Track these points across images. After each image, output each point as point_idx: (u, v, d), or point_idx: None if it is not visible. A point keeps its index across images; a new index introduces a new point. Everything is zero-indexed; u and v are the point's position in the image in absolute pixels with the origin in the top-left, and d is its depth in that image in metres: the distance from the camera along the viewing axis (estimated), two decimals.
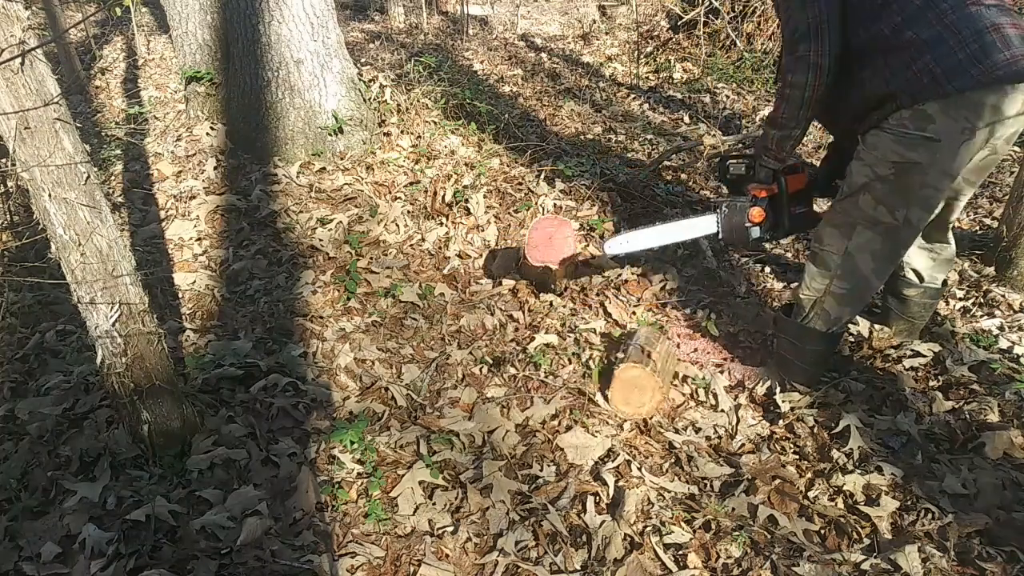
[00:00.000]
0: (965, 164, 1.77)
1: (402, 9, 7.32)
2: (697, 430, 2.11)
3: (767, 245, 3.00)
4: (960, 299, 2.57)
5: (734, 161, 2.21)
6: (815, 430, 2.06)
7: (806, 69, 1.80)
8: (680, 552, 1.71)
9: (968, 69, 1.63)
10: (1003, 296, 2.55)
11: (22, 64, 1.43)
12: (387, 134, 3.80)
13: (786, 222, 2.17)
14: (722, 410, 2.16)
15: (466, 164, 3.60)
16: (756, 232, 2.18)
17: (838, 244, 1.95)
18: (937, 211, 1.91)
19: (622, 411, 2.12)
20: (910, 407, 2.10)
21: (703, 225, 2.35)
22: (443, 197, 3.28)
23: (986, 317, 2.47)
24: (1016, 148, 3.88)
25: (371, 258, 2.92)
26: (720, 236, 2.29)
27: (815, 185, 2.22)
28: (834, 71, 1.80)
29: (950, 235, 2.16)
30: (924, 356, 2.29)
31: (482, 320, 2.60)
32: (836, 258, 1.96)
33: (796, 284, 2.14)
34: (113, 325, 1.72)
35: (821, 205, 2.38)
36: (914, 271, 2.23)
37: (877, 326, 2.40)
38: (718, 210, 2.25)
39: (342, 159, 3.59)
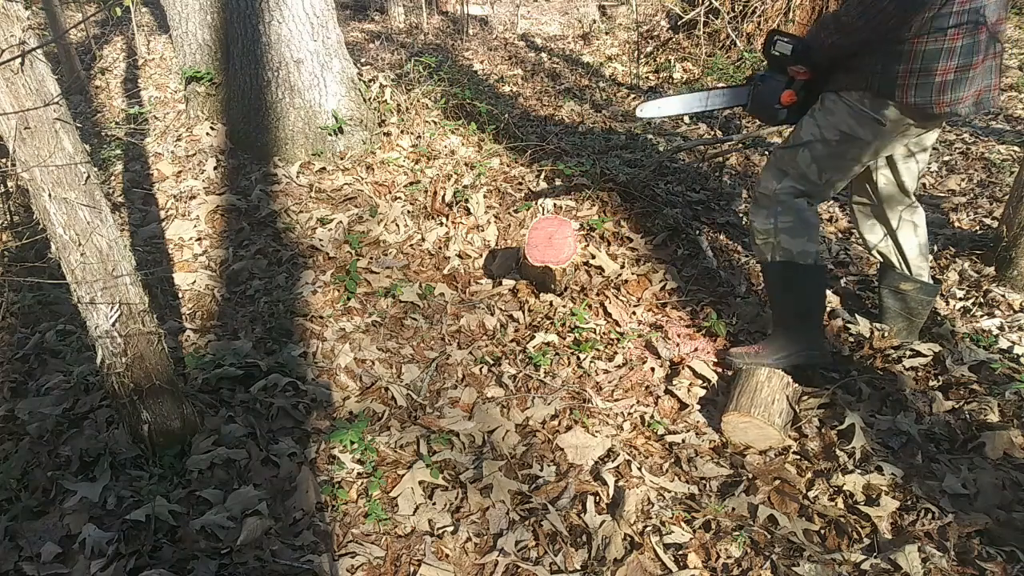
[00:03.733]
0: (896, 149, 2.06)
1: (402, 9, 7.32)
2: (699, 434, 2.11)
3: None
4: (960, 299, 2.57)
5: (782, 39, 2.18)
6: (823, 430, 2.06)
7: (906, 3, 1.77)
8: (680, 552, 1.71)
9: (931, 95, 1.84)
10: (1003, 296, 2.55)
11: (22, 64, 1.43)
12: (387, 134, 3.80)
13: (804, 108, 2.17)
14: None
15: (466, 164, 3.60)
16: (784, 114, 2.22)
17: (771, 185, 2.15)
18: (851, 177, 2.15)
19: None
20: (910, 407, 2.10)
21: (735, 95, 2.39)
22: (443, 197, 3.28)
23: (986, 317, 2.47)
24: (1016, 148, 3.88)
25: (371, 258, 2.92)
26: (748, 108, 2.34)
27: None
28: (920, 22, 1.80)
29: (912, 199, 2.27)
30: (924, 356, 2.29)
31: (482, 320, 2.60)
32: (770, 195, 2.15)
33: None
34: (113, 325, 1.72)
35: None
36: (902, 257, 2.31)
37: (878, 325, 2.40)
38: (753, 83, 2.28)
39: (342, 159, 3.59)
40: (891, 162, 2.18)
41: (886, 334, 2.39)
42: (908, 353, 2.30)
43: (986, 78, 1.88)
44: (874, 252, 2.38)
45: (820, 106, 2.04)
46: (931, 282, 2.32)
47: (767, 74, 2.23)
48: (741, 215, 3.28)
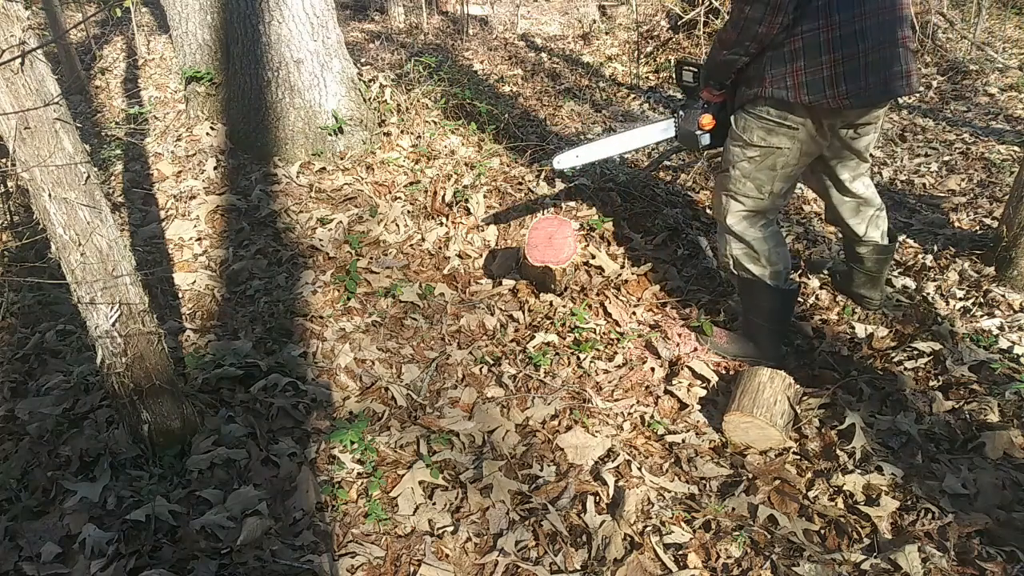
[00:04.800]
0: (823, 147, 2.04)
1: (402, 9, 7.32)
2: (699, 434, 2.11)
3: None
4: (960, 299, 2.57)
5: (688, 69, 2.28)
6: (823, 430, 2.06)
7: (766, 6, 1.83)
8: (680, 552, 1.71)
9: (824, 89, 1.82)
10: (1003, 296, 2.55)
11: (22, 64, 1.43)
12: (387, 134, 3.80)
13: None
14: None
15: (466, 164, 3.60)
16: (706, 139, 2.28)
17: (720, 211, 2.20)
18: (826, 181, 2.23)
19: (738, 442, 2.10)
20: (910, 407, 2.10)
21: (659, 131, 2.46)
22: (443, 197, 3.28)
23: (986, 317, 2.47)
24: (1016, 148, 3.88)
25: (371, 258, 2.92)
26: (676, 140, 2.43)
27: None
28: (788, 14, 1.82)
29: (862, 190, 2.30)
30: (924, 356, 2.29)
31: (482, 320, 2.60)
32: (722, 223, 2.21)
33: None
34: (113, 325, 1.72)
35: None
36: (851, 230, 2.38)
37: (879, 330, 2.42)
38: (676, 115, 2.36)
39: (342, 159, 3.59)
40: (824, 165, 2.22)
41: (852, 287, 2.52)
42: (908, 353, 2.31)
43: (894, 65, 1.84)
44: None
45: (734, 125, 2.06)
46: (883, 241, 2.40)
47: (685, 103, 2.31)
48: None
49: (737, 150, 2.07)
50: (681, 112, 2.32)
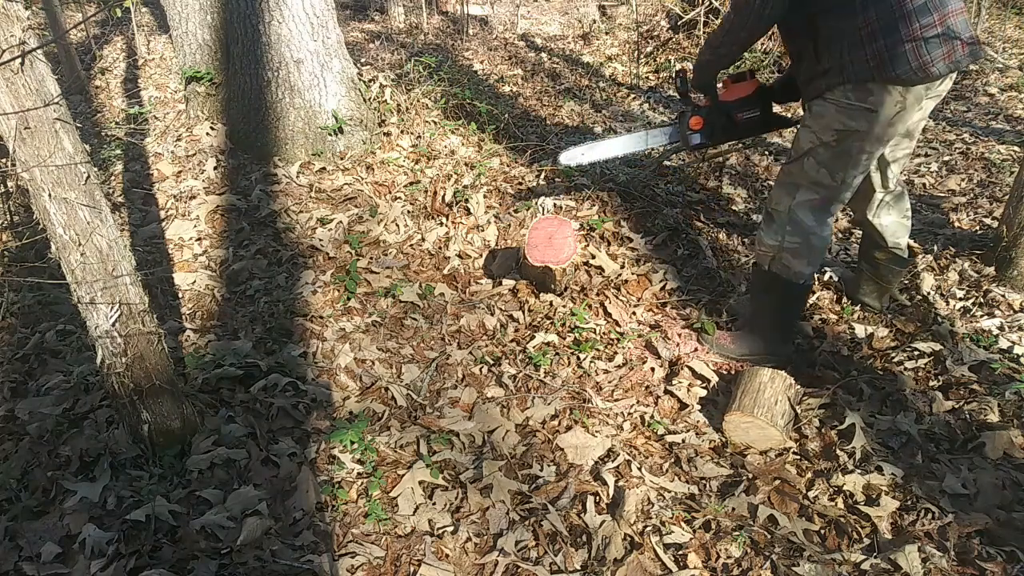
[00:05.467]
0: (899, 131, 2.03)
1: (402, 9, 7.32)
2: (699, 434, 2.11)
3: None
4: (960, 299, 2.57)
5: (680, 75, 2.44)
6: (823, 430, 2.06)
7: (749, 12, 2.00)
8: (680, 552, 1.71)
9: (911, 61, 1.85)
10: (1003, 296, 2.54)
11: (22, 64, 1.43)
12: (387, 134, 3.80)
13: (719, 128, 2.42)
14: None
15: (466, 164, 3.60)
16: (696, 139, 2.45)
17: (784, 202, 2.17)
18: (871, 170, 2.20)
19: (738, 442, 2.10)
20: (910, 407, 2.10)
21: (663, 134, 2.62)
22: (443, 197, 3.28)
23: (986, 317, 2.47)
24: (1016, 148, 3.88)
25: (371, 258, 2.92)
26: (671, 142, 2.62)
27: (772, 93, 2.45)
28: (771, 22, 2.01)
29: (897, 176, 2.33)
30: (924, 356, 2.29)
31: (482, 320, 2.60)
32: (784, 215, 2.17)
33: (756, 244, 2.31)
34: (113, 325, 1.72)
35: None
36: (878, 232, 2.39)
37: (879, 331, 2.41)
38: (677, 120, 2.53)
39: (342, 159, 3.59)
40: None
41: (858, 293, 2.55)
42: (908, 353, 2.31)
43: (965, 30, 1.89)
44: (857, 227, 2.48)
45: (809, 113, 2.07)
46: (904, 253, 2.43)
47: (684, 107, 2.47)
48: (741, 215, 3.28)
49: (812, 136, 2.06)
50: (678, 117, 2.48)
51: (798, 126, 2.15)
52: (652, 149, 3.00)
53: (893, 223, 2.37)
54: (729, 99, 2.42)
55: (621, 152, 2.76)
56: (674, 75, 2.45)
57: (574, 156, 2.72)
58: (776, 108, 2.50)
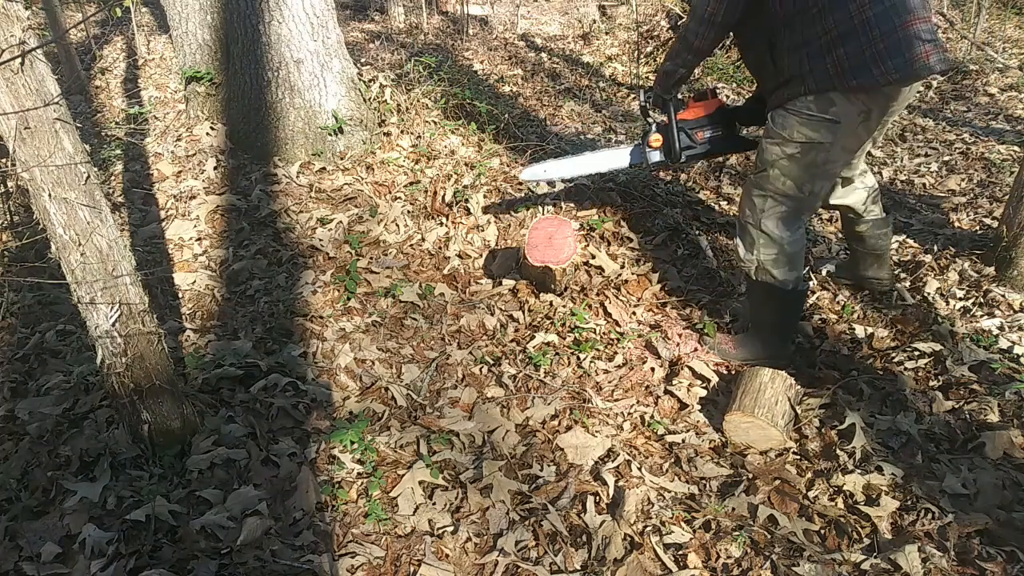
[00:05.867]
0: (863, 141, 2.04)
1: (402, 9, 7.32)
2: (699, 434, 2.11)
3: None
4: (960, 299, 2.57)
5: (643, 92, 2.52)
6: (823, 430, 2.06)
7: (700, 20, 2.05)
8: (680, 552, 1.71)
9: (871, 67, 1.82)
10: (1003, 296, 2.55)
11: (22, 64, 1.43)
12: (387, 134, 3.80)
13: (678, 147, 2.47)
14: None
15: (466, 164, 3.60)
16: (656, 156, 2.52)
17: (753, 215, 2.16)
18: (836, 177, 2.17)
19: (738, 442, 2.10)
20: (910, 407, 2.10)
21: (627, 155, 2.67)
22: (443, 197, 3.28)
23: (986, 317, 2.47)
24: (1016, 148, 3.88)
25: (371, 258, 2.92)
26: (633, 164, 2.67)
27: (737, 113, 2.51)
28: (723, 30, 2.06)
29: (863, 168, 2.39)
30: (924, 356, 2.29)
31: (482, 320, 2.60)
32: (753, 228, 2.17)
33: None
34: (113, 325, 1.72)
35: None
36: (850, 209, 2.43)
37: (879, 331, 2.42)
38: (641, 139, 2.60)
39: (342, 159, 3.59)
40: None
41: (861, 271, 2.60)
42: (908, 353, 2.31)
43: (928, 37, 1.85)
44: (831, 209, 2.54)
45: (771, 124, 2.05)
46: (882, 216, 2.46)
47: (646, 125, 2.54)
48: None
49: (776, 148, 2.04)
50: (641, 136, 2.56)
51: (762, 137, 2.12)
52: (614, 170, 3.02)
53: (857, 194, 2.39)
54: (688, 117, 2.48)
55: (585, 171, 2.78)
56: (641, 94, 2.52)
57: (536, 172, 2.78)
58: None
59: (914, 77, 1.86)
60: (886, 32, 1.81)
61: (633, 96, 5.12)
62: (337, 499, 1.86)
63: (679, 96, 2.42)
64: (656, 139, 2.48)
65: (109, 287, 1.68)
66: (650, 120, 2.50)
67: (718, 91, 2.64)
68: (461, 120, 4.09)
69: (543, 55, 6.14)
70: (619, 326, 2.55)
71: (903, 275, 2.75)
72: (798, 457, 1.99)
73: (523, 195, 3.37)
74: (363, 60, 5.20)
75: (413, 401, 2.23)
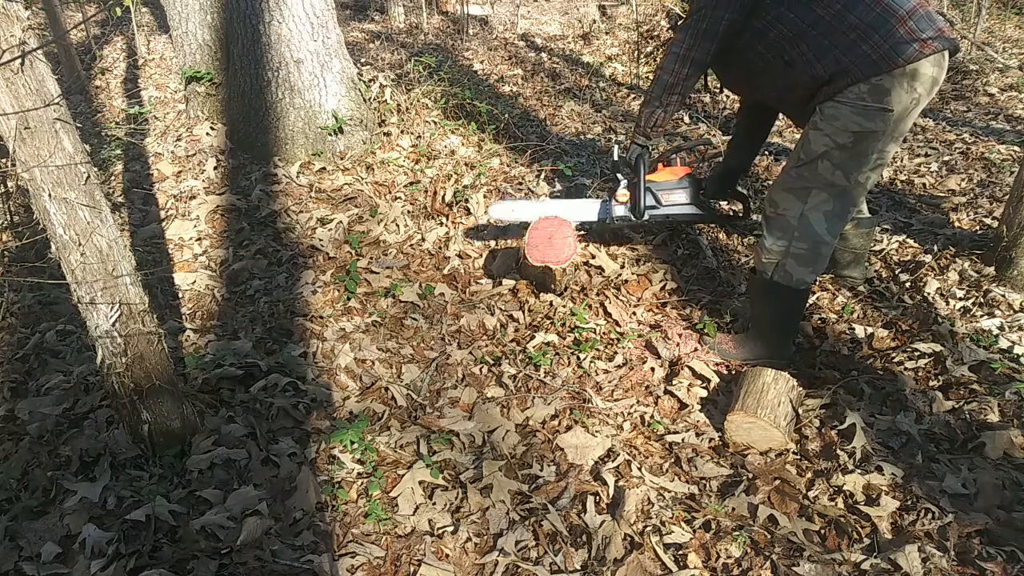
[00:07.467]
0: (909, 125, 2.04)
1: (402, 9, 7.32)
2: (699, 434, 2.11)
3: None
4: (960, 299, 2.57)
5: (617, 147, 2.59)
6: (823, 430, 2.06)
7: (675, 58, 2.10)
8: (680, 552, 1.71)
9: (911, 43, 1.89)
10: (1003, 296, 2.54)
11: (22, 64, 1.43)
12: (387, 134, 3.80)
13: (642, 205, 2.56)
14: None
15: (466, 164, 3.60)
16: (620, 211, 2.63)
17: (794, 207, 2.11)
18: (882, 168, 2.15)
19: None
20: (910, 407, 2.10)
21: (593, 208, 2.74)
22: (443, 197, 3.28)
23: (986, 317, 2.47)
24: (1016, 148, 3.88)
25: (371, 258, 2.92)
26: (600, 219, 2.73)
27: (702, 184, 2.61)
28: (699, 68, 2.11)
29: None
30: (924, 356, 2.29)
31: (482, 320, 2.60)
32: (793, 220, 2.12)
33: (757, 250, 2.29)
34: (113, 325, 1.72)
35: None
36: None
37: (879, 331, 2.41)
38: (608, 199, 2.70)
39: (342, 159, 3.59)
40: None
41: (838, 269, 2.64)
42: (908, 353, 2.31)
43: (937, 20, 1.94)
44: None
45: (820, 116, 2.02)
46: (867, 216, 2.53)
47: (614, 182, 2.62)
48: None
49: (826, 139, 2.01)
50: (608, 190, 2.67)
51: (808, 129, 2.07)
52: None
53: None
54: (657, 179, 2.57)
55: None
56: (615, 150, 2.60)
57: (503, 211, 2.83)
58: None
59: (950, 44, 1.93)
60: (910, 12, 1.89)
61: (633, 96, 5.12)
62: (337, 499, 1.86)
63: (652, 155, 2.51)
64: (623, 194, 2.58)
65: (109, 287, 1.68)
66: (619, 176, 2.58)
67: (684, 160, 2.76)
68: (461, 120, 4.09)
69: (543, 55, 6.14)
70: (619, 326, 2.56)
71: (903, 275, 2.75)
72: (798, 457, 1.99)
73: (523, 195, 3.37)
74: (363, 60, 5.20)
75: (413, 401, 2.23)
